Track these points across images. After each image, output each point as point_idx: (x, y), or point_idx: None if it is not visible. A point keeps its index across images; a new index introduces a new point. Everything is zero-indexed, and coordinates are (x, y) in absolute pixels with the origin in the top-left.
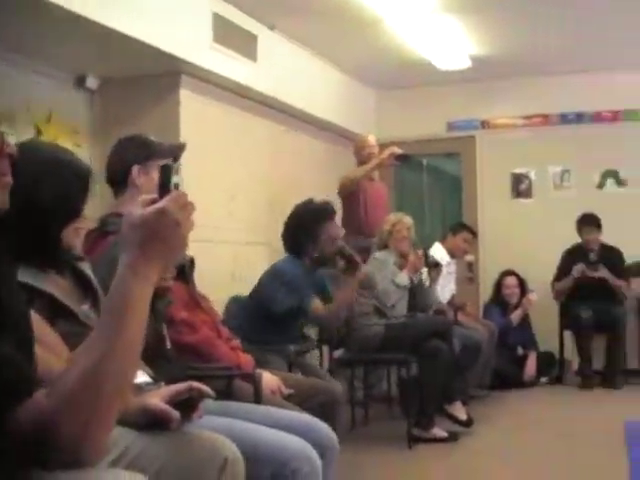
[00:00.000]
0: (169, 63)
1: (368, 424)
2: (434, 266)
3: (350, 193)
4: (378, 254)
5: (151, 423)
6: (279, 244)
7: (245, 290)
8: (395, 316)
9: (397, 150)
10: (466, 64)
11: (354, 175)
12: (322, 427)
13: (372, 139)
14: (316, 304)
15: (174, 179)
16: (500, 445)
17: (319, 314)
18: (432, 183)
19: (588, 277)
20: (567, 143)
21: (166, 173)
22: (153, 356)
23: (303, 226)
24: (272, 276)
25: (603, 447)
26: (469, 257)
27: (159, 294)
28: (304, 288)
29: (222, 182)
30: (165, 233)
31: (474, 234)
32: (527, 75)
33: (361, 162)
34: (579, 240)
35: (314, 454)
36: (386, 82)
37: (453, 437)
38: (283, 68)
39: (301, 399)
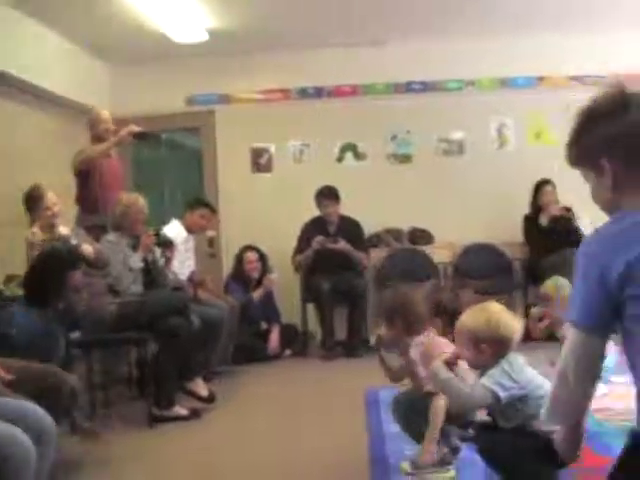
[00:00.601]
0: None
1: (109, 406)
2: (167, 244)
3: (85, 171)
4: (110, 236)
5: None
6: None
7: None
8: (131, 294)
9: (135, 128)
10: (203, 37)
11: (90, 154)
12: (38, 412)
13: (106, 114)
14: None
15: None
16: (244, 419)
17: None
18: (172, 157)
19: (328, 249)
20: (307, 117)
21: None
22: None
23: (48, 274)
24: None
25: (345, 413)
26: (210, 233)
27: None
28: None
29: None
30: None
31: (212, 210)
32: (267, 49)
33: (96, 137)
34: (319, 213)
35: (26, 440)
36: (122, 55)
37: (195, 414)
38: (12, 40)
39: (25, 385)
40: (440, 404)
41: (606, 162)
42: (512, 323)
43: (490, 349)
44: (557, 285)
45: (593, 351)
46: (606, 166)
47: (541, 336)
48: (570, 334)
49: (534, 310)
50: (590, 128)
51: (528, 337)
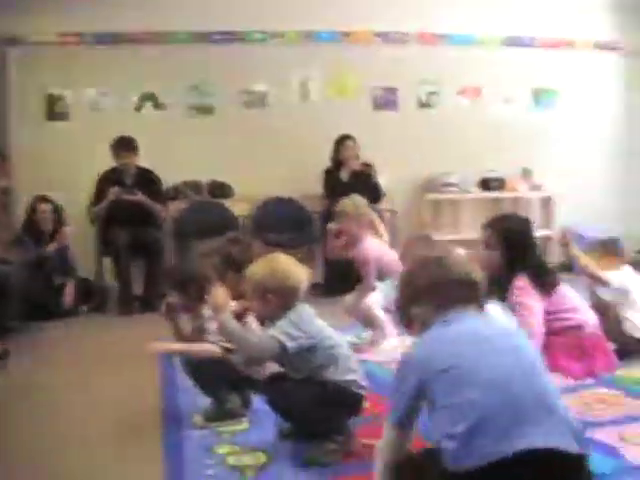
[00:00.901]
0: None
1: None
2: None
3: None
4: None
5: None
6: None
7: None
8: None
9: None
10: None
11: None
12: None
13: None
14: None
15: None
16: (38, 375)
17: None
18: None
19: (125, 201)
20: (104, 64)
21: None
22: None
23: None
24: None
25: (139, 367)
26: (2, 182)
27: None
28: None
29: None
30: None
31: (2, 157)
32: None
33: None
34: (115, 164)
35: None
36: None
37: None
38: None
39: None
40: (209, 347)
41: (417, 309)
42: (298, 273)
43: (277, 299)
44: (354, 203)
45: (409, 439)
46: (418, 312)
47: (338, 254)
48: (391, 431)
49: (331, 225)
50: (403, 289)
51: (327, 261)
